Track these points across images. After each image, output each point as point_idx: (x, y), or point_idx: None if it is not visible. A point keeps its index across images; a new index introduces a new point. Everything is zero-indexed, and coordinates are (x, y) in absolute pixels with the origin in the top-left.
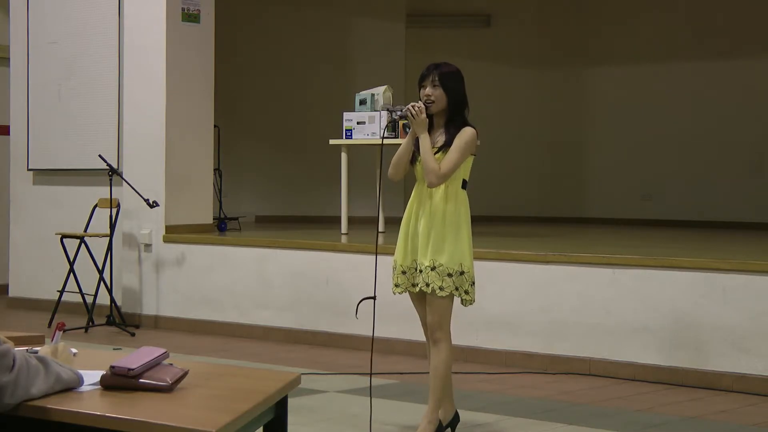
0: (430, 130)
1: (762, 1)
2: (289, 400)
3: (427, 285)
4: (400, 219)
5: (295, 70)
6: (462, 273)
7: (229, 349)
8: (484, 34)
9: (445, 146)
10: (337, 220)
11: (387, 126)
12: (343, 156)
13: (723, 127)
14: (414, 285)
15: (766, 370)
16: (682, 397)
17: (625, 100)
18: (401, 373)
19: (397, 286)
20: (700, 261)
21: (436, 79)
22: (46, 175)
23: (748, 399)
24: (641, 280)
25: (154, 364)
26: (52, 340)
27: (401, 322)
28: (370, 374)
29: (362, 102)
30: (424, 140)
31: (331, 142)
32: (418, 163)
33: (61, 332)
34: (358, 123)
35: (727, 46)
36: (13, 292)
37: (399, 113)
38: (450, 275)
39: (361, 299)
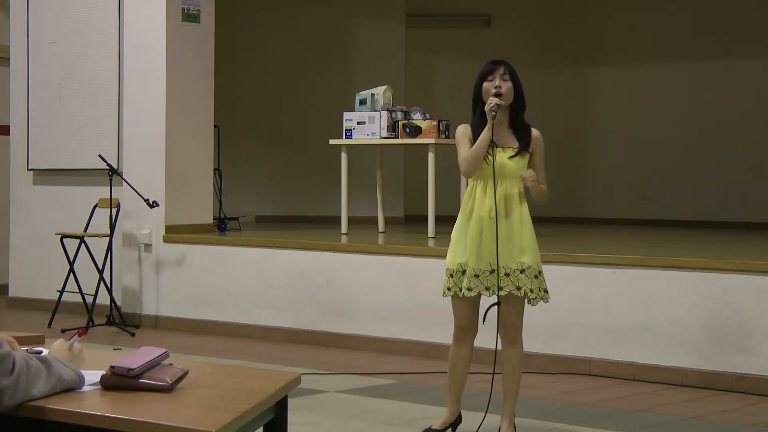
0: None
1: (762, 1)
2: (289, 400)
3: (518, 288)
4: (401, 219)
5: (295, 70)
6: (540, 273)
7: (229, 349)
8: (484, 34)
9: (522, 151)
10: (337, 220)
11: (491, 124)
12: (343, 156)
13: (723, 127)
14: (487, 288)
15: (766, 370)
16: (682, 397)
17: (625, 100)
18: (401, 373)
19: (470, 290)
20: (700, 261)
21: (506, 73)
22: (46, 175)
23: (748, 399)
24: (641, 280)
25: (154, 364)
26: (70, 340)
27: (402, 322)
28: (493, 373)
29: (362, 102)
30: (489, 130)
31: (331, 142)
32: (486, 162)
33: (79, 337)
34: (358, 123)
35: (727, 46)
36: (13, 292)
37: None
38: (536, 277)
39: (489, 306)
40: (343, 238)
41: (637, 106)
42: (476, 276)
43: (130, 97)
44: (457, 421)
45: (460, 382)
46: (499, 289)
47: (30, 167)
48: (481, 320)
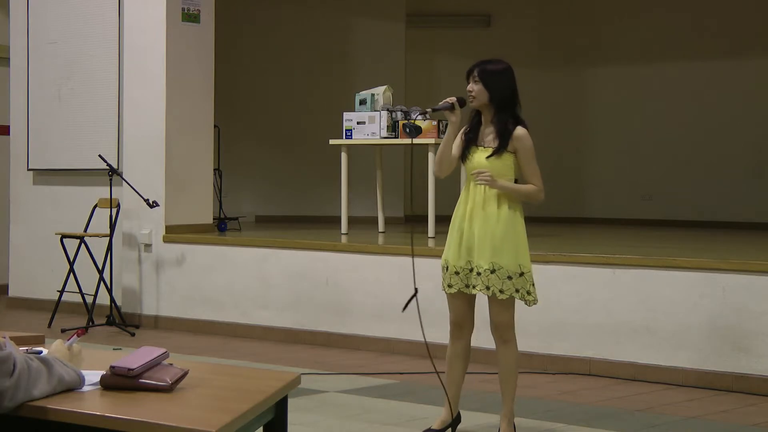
0: (479, 126)
1: (762, 1)
2: (289, 400)
3: (488, 288)
4: (400, 219)
5: (295, 70)
6: (522, 274)
7: (229, 349)
8: (484, 34)
9: (500, 150)
10: (337, 220)
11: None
12: (343, 156)
13: (723, 127)
14: (468, 286)
15: (766, 370)
16: (682, 397)
17: (625, 100)
18: (401, 373)
19: (450, 286)
20: (700, 261)
21: (476, 75)
22: (46, 175)
23: (748, 399)
24: (641, 280)
25: (154, 364)
26: (68, 340)
27: (402, 322)
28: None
29: (362, 102)
30: (451, 130)
31: (331, 142)
32: (468, 161)
33: (78, 338)
34: (358, 123)
35: (727, 46)
36: (13, 292)
37: (425, 113)
38: (510, 278)
39: (409, 299)
40: (343, 238)
41: (637, 106)
42: (456, 273)
43: (130, 97)
44: (456, 420)
45: (457, 380)
46: (473, 287)
47: (30, 167)
48: (402, 310)
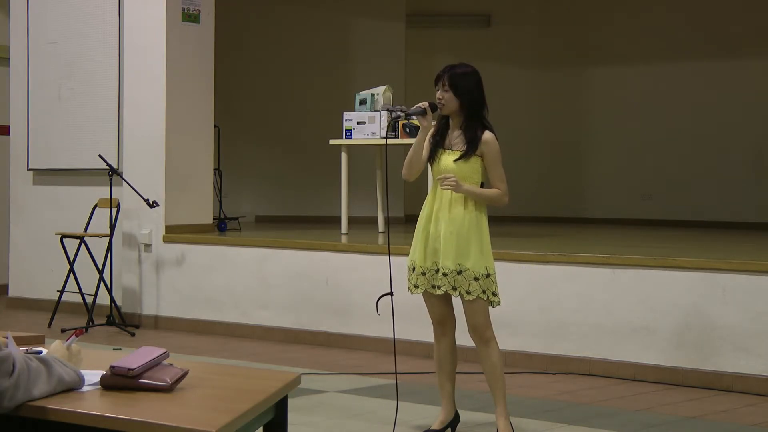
0: (446, 130)
1: (762, 1)
2: (289, 400)
3: (454, 289)
4: (401, 219)
5: (295, 70)
6: (488, 275)
7: (229, 349)
8: (484, 34)
9: (468, 154)
10: (337, 220)
11: (388, 126)
12: (343, 156)
13: (723, 127)
14: (434, 287)
15: (766, 370)
16: (682, 397)
17: (625, 100)
18: (401, 373)
19: (416, 287)
20: (700, 261)
21: (446, 81)
22: (46, 175)
23: (748, 399)
24: (641, 280)
25: (154, 364)
26: (67, 341)
27: (401, 322)
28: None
29: (362, 102)
30: (422, 134)
31: (331, 142)
32: (435, 164)
33: (76, 338)
34: (358, 123)
35: (727, 46)
36: (13, 292)
37: (399, 112)
38: (476, 279)
39: (379, 296)
40: (343, 238)
41: (637, 106)
42: (423, 274)
43: (130, 97)
44: (456, 419)
45: (448, 378)
46: (438, 288)
47: (30, 167)
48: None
